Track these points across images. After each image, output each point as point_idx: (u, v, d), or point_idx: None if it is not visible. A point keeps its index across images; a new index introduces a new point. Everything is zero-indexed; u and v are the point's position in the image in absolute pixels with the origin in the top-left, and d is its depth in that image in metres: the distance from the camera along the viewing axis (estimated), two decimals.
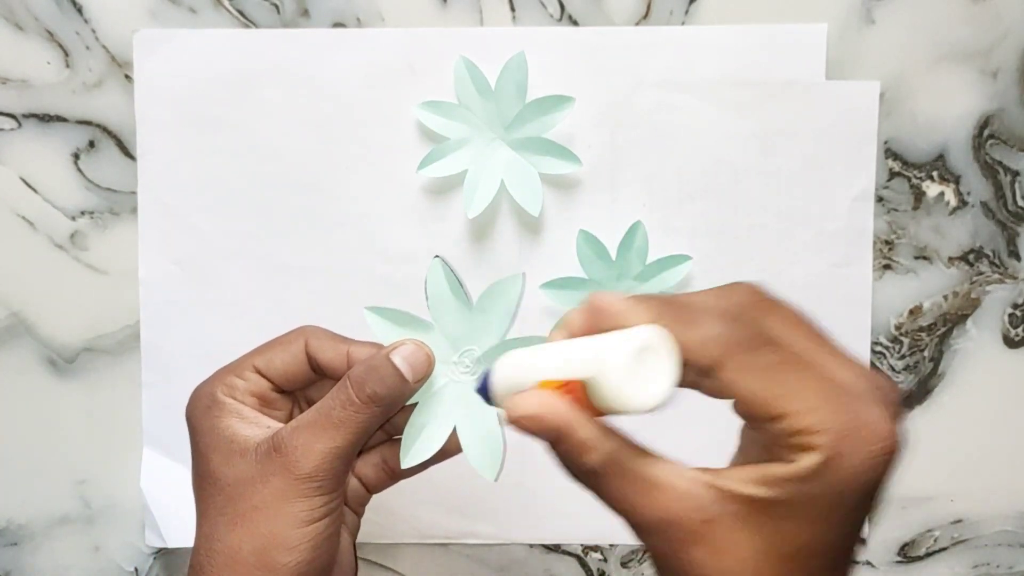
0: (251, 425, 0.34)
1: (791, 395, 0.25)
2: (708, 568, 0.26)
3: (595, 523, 0.46)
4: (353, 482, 0.37)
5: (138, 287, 0.46)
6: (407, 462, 0.35)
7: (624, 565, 0.47)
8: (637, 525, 0.27)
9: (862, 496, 0.25)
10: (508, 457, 0.46)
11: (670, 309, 0.26)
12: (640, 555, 0.47)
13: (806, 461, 0.25)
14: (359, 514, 0.38)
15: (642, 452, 0.27)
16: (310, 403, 0.37)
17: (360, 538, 0.47)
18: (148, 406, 0.46)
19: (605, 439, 0.27)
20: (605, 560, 0.47)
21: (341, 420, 0.33)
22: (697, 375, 0.26)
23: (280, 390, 0.36)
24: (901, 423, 0.26)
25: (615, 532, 0.47)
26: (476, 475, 0.46)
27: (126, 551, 0.48)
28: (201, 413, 0.35)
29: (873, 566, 0.47)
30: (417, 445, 0.35)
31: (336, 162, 0.46)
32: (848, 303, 0.45)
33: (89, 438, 0.47)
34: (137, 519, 0.47)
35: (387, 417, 0.34)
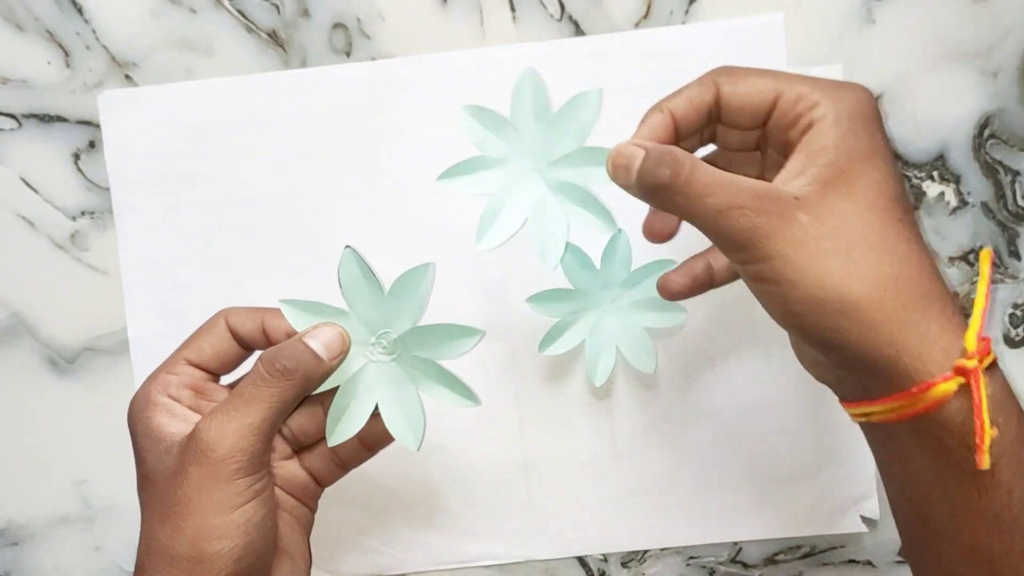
0: (179, 421, 0.35)
1: (784, 82, 0.32)
2: (814, 231, 0.29)
3: (604, 533, 0.46)
4: (303, 476, 0.38)
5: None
6: (333, 440, 0.37)
7: (624, 565, 0.47)
8: (729, 228, 0.30)
9: (874, 132, 0.31)
10: (515, 476, 0.46)
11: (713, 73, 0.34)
12: (640, 555, 0.47)
13: (817, 111, 0.31)
14: (311, 508, 0.39)
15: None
16: None
17: (376, 570, 0.47)
18: None
19: (688, 157, 0.31)
20: (605, 560, 0.47)
21: (252, 396, 0.33)
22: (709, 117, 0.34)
23: (217, 378, 0.37)
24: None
25: (626, 541, 0.47)
26: (485, 497, 0.46)
27: (126, 551, 0.48)
28: (136, 415, 0.35)
29: (873, 566, 0.47)
30: (342, 424, 0.37)
31: (312, 200, 0.46)
32: None
33: (89, 438, 0.47)
34: (137, 519, 0.47)
35: (304, 394, 0.35)
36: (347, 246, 0.36)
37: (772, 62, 0.44)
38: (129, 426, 0.36)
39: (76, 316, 0.47)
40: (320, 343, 0.35)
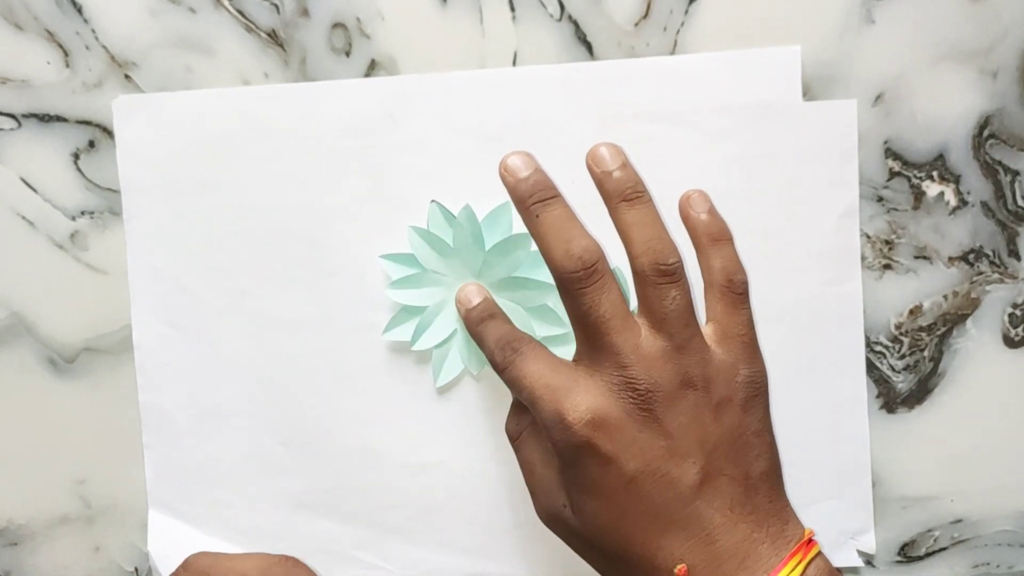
0: None
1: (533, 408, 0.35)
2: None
3: None
4: None
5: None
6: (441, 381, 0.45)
7: None
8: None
9: (589, 467, 0.33)
10: (514, 495, 0.46)
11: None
12: None
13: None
14: None
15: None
16: None
17: None
18: (152, 469, 0.47)
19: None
20: None
21: None
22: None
23: None
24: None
25: None
26: (484, 514, 0.47)
27: (126, 551, 0.48)
28: None
29: (873, 566, 0.47)
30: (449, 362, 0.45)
31: (322, 212, 0.46)
32: (840, 320, 0.45)
33: (89, 438, 0.47)
34: (137, 519, 0.47)
35: None
36: (432, 200, 0.44)
37: (787, 94, 0.44)
38: None
39: (76, 316, 0.47)
40: None
